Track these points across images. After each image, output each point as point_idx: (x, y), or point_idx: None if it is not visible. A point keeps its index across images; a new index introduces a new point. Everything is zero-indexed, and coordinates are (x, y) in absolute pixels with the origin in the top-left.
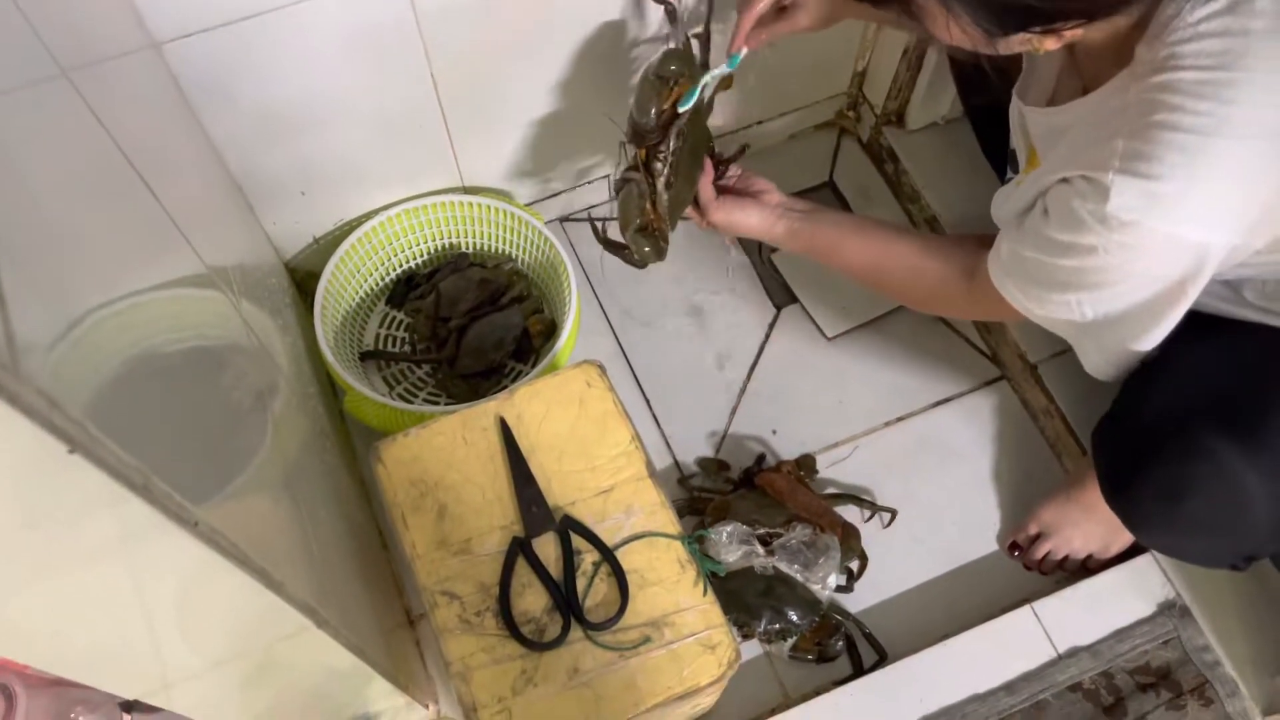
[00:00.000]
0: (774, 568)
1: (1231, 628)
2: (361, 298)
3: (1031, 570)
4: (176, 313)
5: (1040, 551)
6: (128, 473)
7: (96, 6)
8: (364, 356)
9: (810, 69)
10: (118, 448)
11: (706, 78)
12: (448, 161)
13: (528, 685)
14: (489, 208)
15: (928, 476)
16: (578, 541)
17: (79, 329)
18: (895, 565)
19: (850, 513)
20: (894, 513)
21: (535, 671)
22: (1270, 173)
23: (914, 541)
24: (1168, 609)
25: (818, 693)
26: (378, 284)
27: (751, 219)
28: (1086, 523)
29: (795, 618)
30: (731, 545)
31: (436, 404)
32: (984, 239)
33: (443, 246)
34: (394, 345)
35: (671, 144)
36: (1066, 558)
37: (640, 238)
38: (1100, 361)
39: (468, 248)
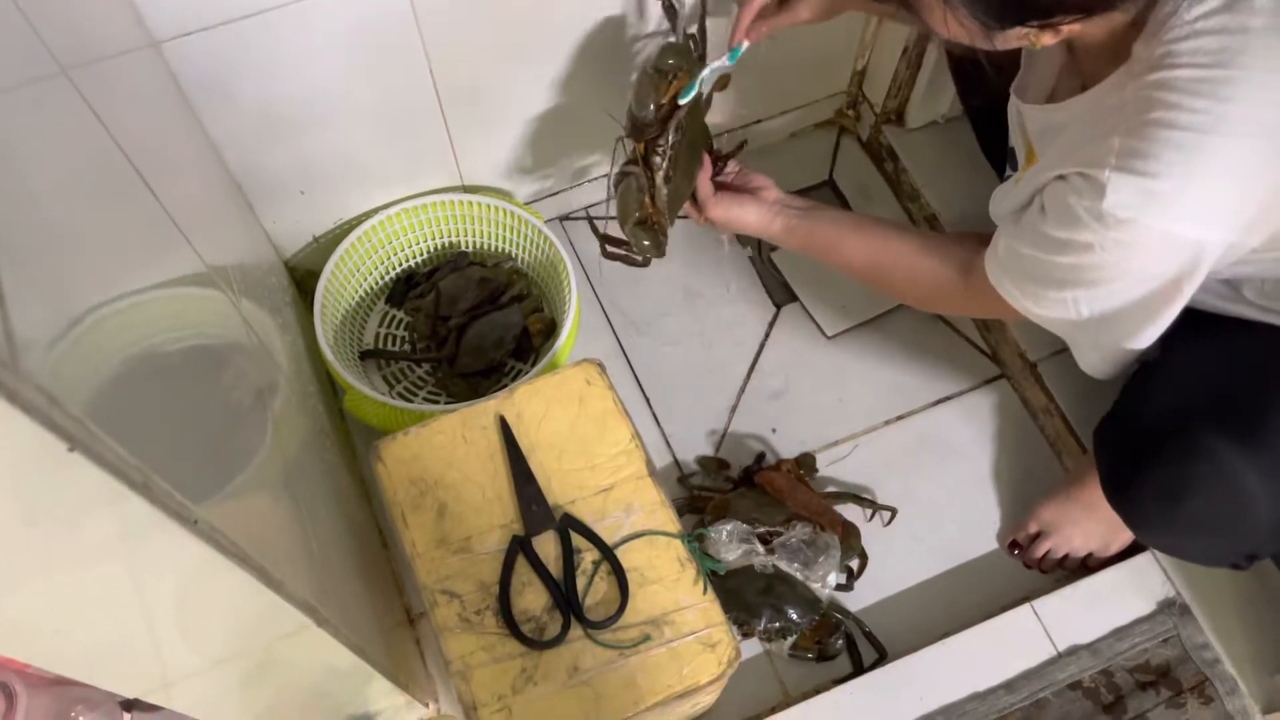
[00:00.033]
0: (774, 566)
1: (1231, 626)
2: (361, 296)
3: (1031, 568)
4: (176, 311)
5: (1040, 550)
6: (128, 471)
7: (96, 5)
8: (364, 355)
9: (810, 67)
10: (118, 446)
11: (705, 71)
12: (447, 160)
13: (528, 684)
14: (489, 206)
15: (928, 475)
16: (578, 540)
17: (79, 327)
18: (895, 564)
19: (850, 511)
20: (894, 511)
21: (535, 670)
22: (1267, 171)
23: (914, 540)
24: (1167, 607)
25: (818, 691)
26: (377, 283)
27: (749, 215)
28: (1086, 521)
29: (795, 616)
30: (731, 544)
31: (436, 403)
32: (983, 237)
33: (442, 245)
34: (394, 344)
35: (670, 138)
36: (1066, 556)
37: (639, 231)
38: (1096, 359)
39: (467, 246)
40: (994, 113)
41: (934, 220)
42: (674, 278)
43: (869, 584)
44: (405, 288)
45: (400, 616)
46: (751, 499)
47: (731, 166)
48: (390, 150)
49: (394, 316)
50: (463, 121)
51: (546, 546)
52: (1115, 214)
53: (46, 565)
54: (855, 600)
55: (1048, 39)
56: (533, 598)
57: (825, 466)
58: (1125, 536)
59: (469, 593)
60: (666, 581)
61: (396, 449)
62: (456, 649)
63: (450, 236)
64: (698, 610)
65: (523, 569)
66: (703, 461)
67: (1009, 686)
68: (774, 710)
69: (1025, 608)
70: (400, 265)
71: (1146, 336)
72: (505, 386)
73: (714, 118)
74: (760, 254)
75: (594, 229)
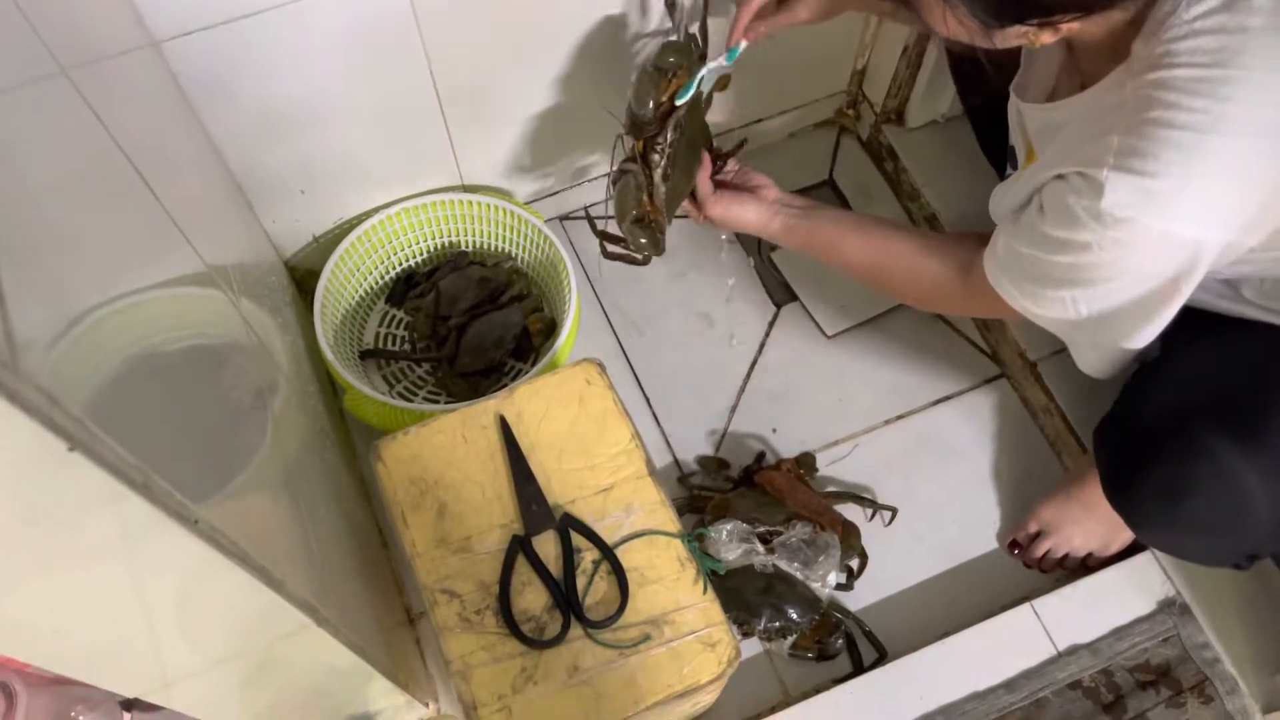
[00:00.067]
0: (774, 566)
1: (1231, 625)
2: (361, 296)
3: (1031, 568)
4: (176, 311)
5: (1040, 549)
6: (128, 470)
7: (96, 5)
8: (364, 355)
9: (810, 67)
10: (118, 445)
11: (703, 71)
12: (447, 160)
13: (528, 683)
14: (489, 206)
15: (928, 474)
16: (577, 540)
17: (79, 327)
18: (895, 563)
19: (850, 511)
20: (894, 511)
21: (535, 669)
22: (1266, 170)
23: (914, 539)
24: (1167, 607)
25: (818, 691)
26: (377, 282)
27: (749, 214)
28: (1086, 521)
29: (795, 615)
30: (731, 543)
31: (436, 402)
32: (983, 237)
33: (442, 245)
34: (394, 344)
35: (669, 136)
36: (1066, 555)
37: (637, 229)
38: (1094, 359)
39: (467, 246)
40: (994, 112)
41: (934, 220)
42: (674, 278)
43: (869, 583)
44: (405, 287)
45: (400, 616)
46: (751, 499)
47: (731, 165)
48: (390, 150)
49: (394, 316)
50: (463, 121)
51: (546, 546)
52: (1113, 213)
53: (46, 565)
54: (855, 600)
55: (1047, 37)
56: (533, 597)
57: (825, 466)
58: (1125, 536)
59: (469, 592)
60: (666, 581)
61: (396, 449)
62: (456, 648)
63: (450, 236)
64: (698, 610)
65: (523, 569)
66: (703, 461)
67: (1009, 686)
68: (774, 710)
69: (1025, 607)
70: (400, 265)
71: (1144, 336)
72: (505, 386)
73: (714, 117)
74: (760, 254)
75: (593, 227)
